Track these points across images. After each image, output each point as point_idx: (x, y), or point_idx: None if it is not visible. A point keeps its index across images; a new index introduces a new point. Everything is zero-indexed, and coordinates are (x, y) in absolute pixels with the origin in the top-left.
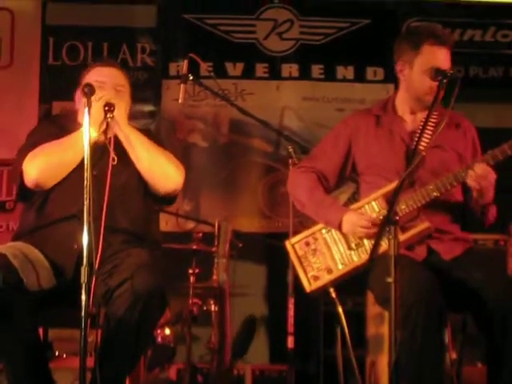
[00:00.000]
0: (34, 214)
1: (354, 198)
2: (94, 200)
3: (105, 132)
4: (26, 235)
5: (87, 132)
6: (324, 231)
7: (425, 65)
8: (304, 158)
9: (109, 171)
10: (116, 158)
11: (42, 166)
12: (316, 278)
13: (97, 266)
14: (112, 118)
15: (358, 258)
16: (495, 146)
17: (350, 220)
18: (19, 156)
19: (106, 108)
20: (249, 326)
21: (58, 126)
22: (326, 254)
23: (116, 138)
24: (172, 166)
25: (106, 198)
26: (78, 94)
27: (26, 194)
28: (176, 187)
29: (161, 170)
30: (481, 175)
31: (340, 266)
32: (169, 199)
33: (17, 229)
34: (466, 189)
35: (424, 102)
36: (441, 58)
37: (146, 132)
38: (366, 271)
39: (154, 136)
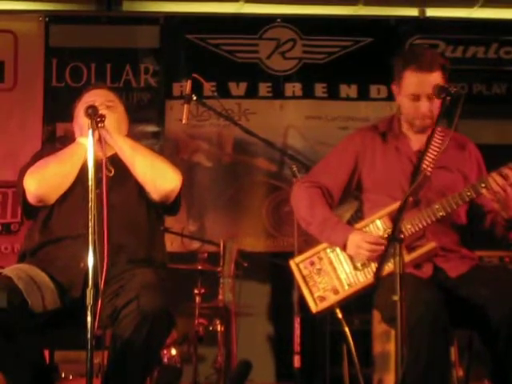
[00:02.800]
0: (38, 233)
1: (357, 215)
2: (96, 218)
3: (100, 145)
4: (31, 254)
5: (91, 153)
6: (329, 250)
7: (407, 90)
8: (308, 173)
9: (104, 187)
10: (113, 170)
11: (40, 179)
12: (322, 298)
13: (102, 286)
14: (102, 127)
15: (364, 278)
16: (498, 162)
17: (354, 242)
18: (20, 175)
19: (98, 119)
20: (242, 370)
21: (59, 149)
22: (331, 273)
23: (115, 155)
24: (166, 167)
25: (105, 214)
26: (76, 128)
27: (30, 211)
28: (172, 188)
29: (156, 170)
30: (507, 181)
31: (346, 287)
32: (171, 206)
33: (22, 247)
34: (476, 209)
35: (414, 126)
36: (422, 83)
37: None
38: (373, 290)
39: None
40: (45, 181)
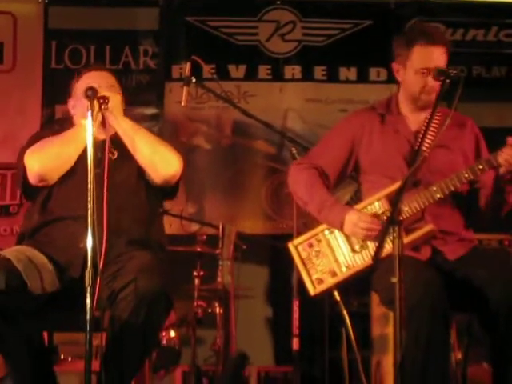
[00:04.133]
0: (37, 214)
1: (356, 196)
2: (96, 198)
3: (103, 128)
4: (30, 235)
5: (90, 134)
6: (327, 232)
7: (417, 65)
8: (306, 154)
9: (105, 167)
10: (116, 153)
11: (43, 158)
12: (320, 281)
13: (101, 267)
14: (106, 109)
15: (362, 260)
16: (497, 145)
17: (350, 220)
18: (21, 154)
19: (101, 101)
20: (239, 362)
21: (58, 130)
22: (329, 256)
23: (115, 136)
24: (169, 151)
25: (104, 195)
26: (72, 102)
27: (30, 191)
28: (174, 172)
29: (158, 155)
30: None
31: (344, 269)
32: (170, 190)
33: (21, 228)
34: (472, 188)
35: (420, 101)
36: (433, 57)
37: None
38: (371, 272)
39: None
40: (47, 160)
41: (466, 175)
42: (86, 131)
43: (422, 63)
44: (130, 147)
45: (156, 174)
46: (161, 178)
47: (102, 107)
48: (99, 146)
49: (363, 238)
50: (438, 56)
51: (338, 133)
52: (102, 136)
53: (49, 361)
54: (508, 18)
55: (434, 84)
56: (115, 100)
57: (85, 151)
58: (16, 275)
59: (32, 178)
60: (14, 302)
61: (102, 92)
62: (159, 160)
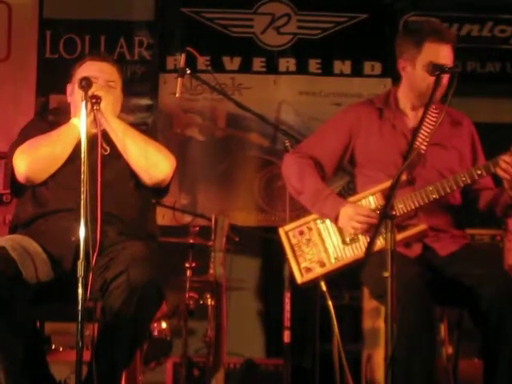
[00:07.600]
0: (30, 206)
1: (349, 187)
2: (87, 192)
3: (95, 125)
4: (23, 227)
5: (84, 124)
6: (319, 221)
7: (427, 61)
8: (301, 144)
9: (99, 162)
10: (108, 149)
11: (30, 161)
12: (308, 269)
13: (94, 259)
14: (98, 109)
15: (352, 253)
16: (491, 140)
17: (346, 214)
18: (10, 152)
19: (93, 100)
20: (247, 369)
21: (50, 121)
22: (319, 245)
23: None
24: (160, 155)
25: (99, 189)
26: (70, 88)
27: (18, 188)
28: (164, 177)
29: (148, 160)
30: None
31: (333, 261)
32: (160, 191)
33: (13, 220)
34: (468, 188)
35: (426, 98)
36: (442, 54)
37: (139, 126)
38: (361, 265)
39: (147, 130)
40: (34, 162)
41: (464, 179)
42: (74, 131)
43: (433, 60)
44: (120, 149)
45: (146, 178)
46: (151, 181)
47: (94, 107)
48: (90, 140)
49: (358, 231)
50: (447, 53)
51: (335, 125)
52: (92, 131)
53: (41, 350)
54: (503, 14)
55: (445, 81)
56: (108, 100)
57: (78, 146)
58: (11, 263)
59: (19, 178)
60: (8, 290)
61: (96, 91)
62: (149, 164)
